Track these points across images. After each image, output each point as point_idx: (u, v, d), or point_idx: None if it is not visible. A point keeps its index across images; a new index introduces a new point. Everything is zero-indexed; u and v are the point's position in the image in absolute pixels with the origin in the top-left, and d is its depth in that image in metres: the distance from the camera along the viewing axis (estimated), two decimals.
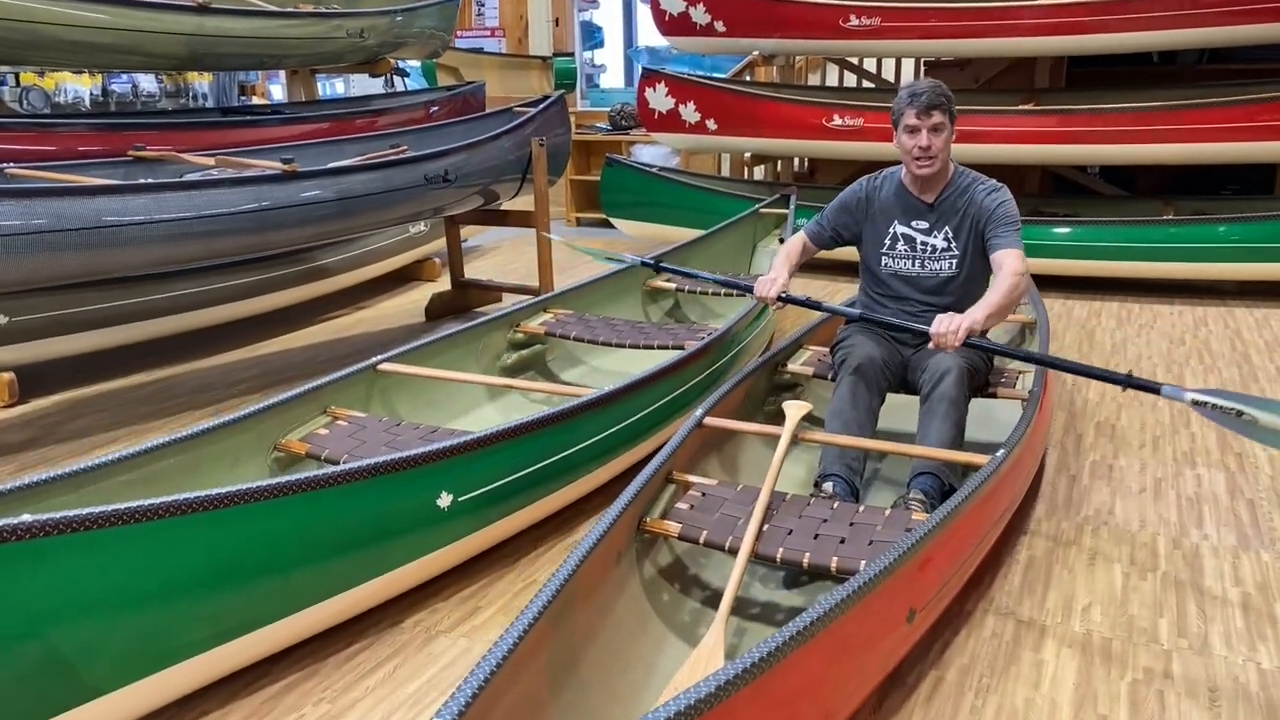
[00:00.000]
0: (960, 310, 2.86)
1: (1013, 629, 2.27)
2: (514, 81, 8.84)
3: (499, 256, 7.01)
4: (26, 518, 1.62)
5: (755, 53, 6.47)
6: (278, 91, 8.17)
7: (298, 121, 5.42)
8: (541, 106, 5.18)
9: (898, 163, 3.01)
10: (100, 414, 3.78)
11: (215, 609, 1.90)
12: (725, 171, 7.73)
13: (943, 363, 2.82)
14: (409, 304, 5.55)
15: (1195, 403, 2.31)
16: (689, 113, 6.41)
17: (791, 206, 5.22)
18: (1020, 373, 3.23)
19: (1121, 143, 5.53)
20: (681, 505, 2.33)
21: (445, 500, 2.30)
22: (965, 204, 2.92)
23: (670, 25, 6.64)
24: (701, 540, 2.21)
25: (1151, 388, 2.41)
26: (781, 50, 6.48)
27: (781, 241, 5.24)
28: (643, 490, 2.22)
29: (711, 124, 6.34)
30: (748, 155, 6.70)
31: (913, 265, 2.97)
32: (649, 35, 13.61)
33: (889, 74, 7.66)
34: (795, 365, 3.31)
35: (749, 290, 2.95)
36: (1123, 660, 2.14)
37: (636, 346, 3.55)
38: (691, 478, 2.44)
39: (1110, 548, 2.65)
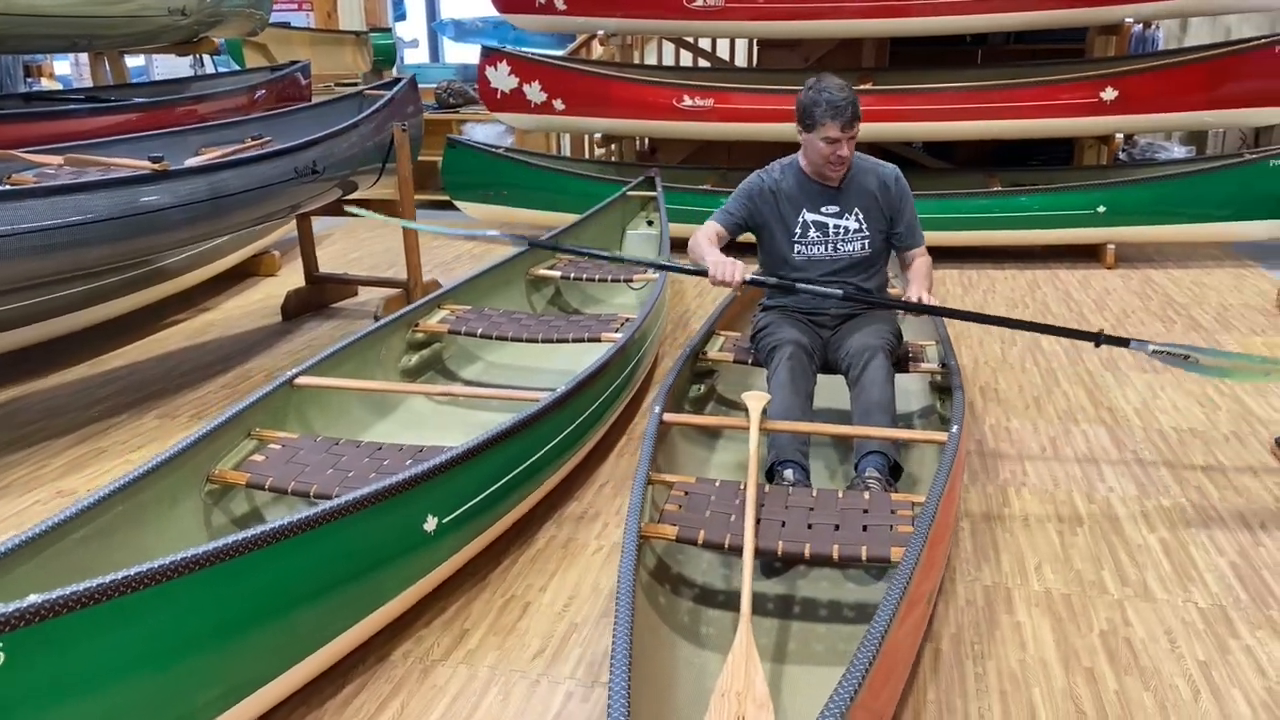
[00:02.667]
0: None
1: (982, 594, 2.42)
2: (327, 58, 8.38)
3: (334, 246, 6.65)
4: (34, 598, 1.42)
5: (600, 31, 6.43)
6: (62, 69, 7.36)
7: (115, 110, 4.92)
8: (396, 90, 4.94)
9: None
10: None
11: (222, 671, 1.74)
12: (565, 151, 7.66)
13: (866, 344, 2.95)
14: (256, 303, 5.19)
15: (1154, 352, 2.82)
16: (534, 92, 6.29)
17: (659, 188, 5.26)
18: (924, 345, 3.42)
19: (946, 120, 5.90)
20: (669, 506, 2.32)
21: (431, 524, 2.19)
22: (872, 186, 3.06)
23: (506, 2, 6.48)
24: (700, 541, 2.21)
25: (1122, 342, 2.86)
26: (624, 29, 6.47)
27: (650, 224, 5.29)
28: (643, 499, 2.20)
29: (559, 104, 6.25)
30: (598, 135, 6.66)
31: (825, 249, 3.07)
32: (452, 7, 13.26)
33: (723, 52, 7.83)
34: (714, 352, 3.36)
35: (703, 274, 2.87)
36: (1085, 613, 2.33)
37: (550, 340, 3.48)
38: (668, 477, 2.44)
39: (1036, 507, 2.86)
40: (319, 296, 5.07)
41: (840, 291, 2.98)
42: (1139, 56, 6.44)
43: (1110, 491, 2.95)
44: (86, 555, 1.93)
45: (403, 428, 3.21)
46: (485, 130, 7.98)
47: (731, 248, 3.10)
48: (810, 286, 2.95)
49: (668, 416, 2.66)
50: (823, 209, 3.05)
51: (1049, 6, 5.85)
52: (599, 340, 3.44)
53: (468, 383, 3.76)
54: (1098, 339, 2.88)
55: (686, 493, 2.38)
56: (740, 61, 7.84)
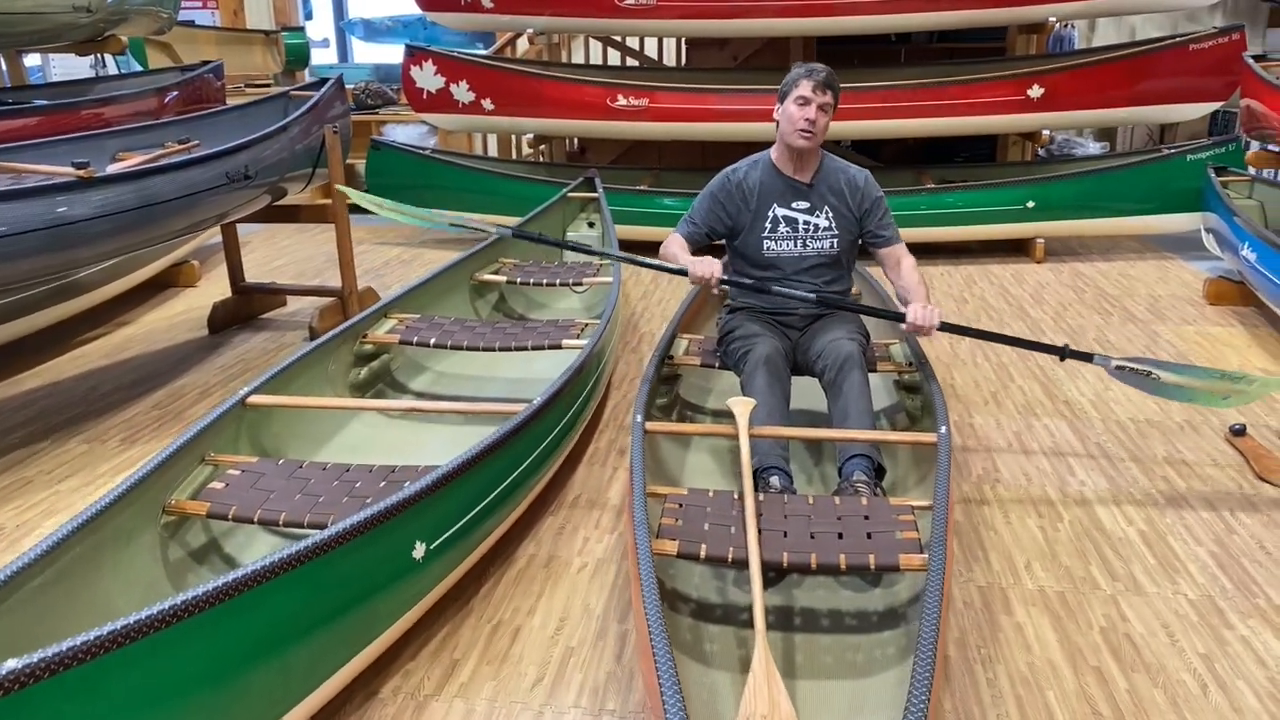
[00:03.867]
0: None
1: (979, 596, 2.39)
2: (236, 58, 8.04)
3: (255, 254, 6.35)
4: (12, 664, 1.25)
5: (530, 30, 6.29)
6: None
7: (16, 114, 4.58)
8: (324, 90, 4.73)
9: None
10: None
11: None
12: (491, 152, 7.49)
13: (841, 346, 2.91)
14: (179, 315, 4.91)
15: (1118, 368, 2.56)
16: (462, 92, 6.13)
17: (599, 189, 5.16)
18: (888, 344, 3.41)
19: (878, 118, 5.94)
20: (666, 520, 2.23)
21: (419, 550, 2.06)
22: (841, 186, 3.04)
23: (431, 0, 6.29)
24: (702, 555, 2.12)
25: (1085, 357, 2.71)
26: (554, 28, 6.35)
27: (591, 225, 5.18)
28: (648, 515, 2.10)
29: (488, 104, 6.10)
30: (530, 136, 6.52)
31: (795, 246, 3.04)
32: (361, 6, 12.90)
33: (650, 51, 7.76)
34: (680, 356, 3.28)
35: (682, 273, 2.91)
36: (1082, 611, 2.33)
37: (507, 349, 3.36)
38: (660, 489, 2.35)
39: (1014, 503, 2.86)
40: (247, 307, 4.83)
41: (813, 296, 2.96)
42: (1064, 55, 6.61)
43: (1082, 485, 2.97)
44: (47, 603, 1.74)
45: (362, 446, 3.04)
46: (406, 131, 7.77)
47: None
48: (785, 290, 2.92)
49: (650, 425, 2.57)
50: (793, 204, 3.02)
51: (975, 6, 5.94)
52: (560, 347, 3.33)
53: (420, 395, 3.61)
54: (1062, 353, 2.87)
55: (681, 505, 2.30)
56: (668, 60, 7.79)
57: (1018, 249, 5.96)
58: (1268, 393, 2.58)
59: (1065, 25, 7.70)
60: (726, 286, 2.98)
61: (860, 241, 3.15)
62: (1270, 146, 5.16)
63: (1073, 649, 2.18)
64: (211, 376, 4.01)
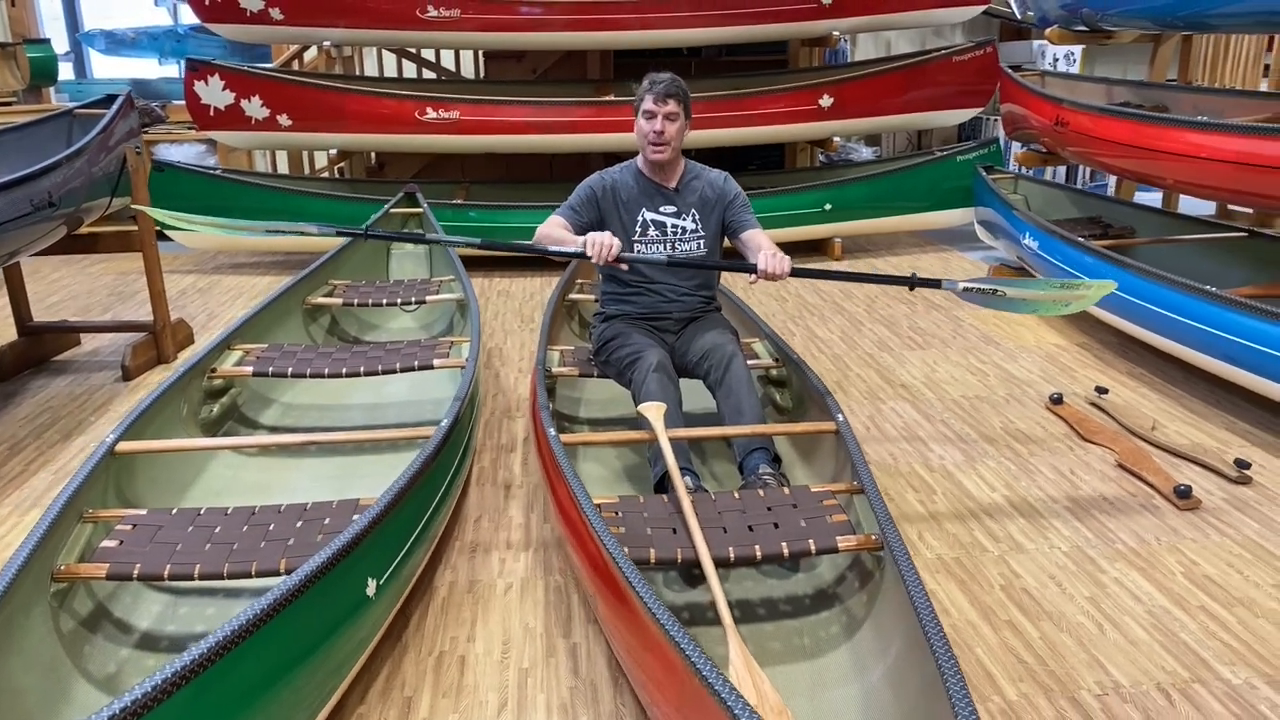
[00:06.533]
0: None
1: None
2: None
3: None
4: None
5: (326, 43, 6.02)
6: None
7: None
8: (116, 108, 4.34)
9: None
10: None
11: None
12: (281, 169, 7.11)
13: (721, 345, 3.02)
14: None
15: (965, 290, 2.83)
16: (254, 108, 5.79)
17: (424, 204, 5.03)
18: (750, 343, 3.55)
19: None
20: (611, 529, 2.23)
21: (371, 587, 1.95)
22: (703, 188, 3.15)
23: (212, 11, 5.89)
24: (653, 559, 2.15)
25: (934, 284, 2.84)
26: (351, 40, 6.11)
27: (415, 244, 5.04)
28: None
29: (284, 119, 5.79)
30: (333, 152, 6.24)
31: (664, 249, 3.11)
32: (98, 17, 11.85)
33: (448, 63, 7.62)
34: (555, 368, 3.28)
35: (580, 256, 2.80)
36: (980, 573, 2.54)
37: (374, 373, 3.23)
38: (598, 499, 2.35)
39: (890, 482, 3.08)
40: (37, 350, 4.34)
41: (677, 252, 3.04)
42: (847, 66, 7.10)
43: (943, 460, 3.23)
44: None
45: (234, 488, 2.84)
46: (182, 151, 7.23)
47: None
48: (649, 257, 2.96)
49: (565, 437, 2.56)
50: (661, 209, 3.10)
51: (764, 21, 6.27)
52: (431, 367, 3.24)
53: (274, 428, 3.41)
54: (912, 282, 2.89)
55: (618, 512, 2.31)
56: (466, 72, 7.68)
57: (816, 248, 6.35)
58: (1103, 294, 2.83)
59: (840, 40, 8.28)
60: (622, 265, 2.86)
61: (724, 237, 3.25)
62: (1034, 146, 5.79)
63: (984, 608, 2.38)
64: (18, 429, 3.57)
